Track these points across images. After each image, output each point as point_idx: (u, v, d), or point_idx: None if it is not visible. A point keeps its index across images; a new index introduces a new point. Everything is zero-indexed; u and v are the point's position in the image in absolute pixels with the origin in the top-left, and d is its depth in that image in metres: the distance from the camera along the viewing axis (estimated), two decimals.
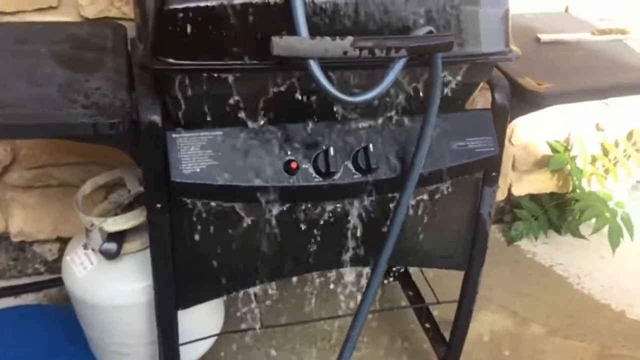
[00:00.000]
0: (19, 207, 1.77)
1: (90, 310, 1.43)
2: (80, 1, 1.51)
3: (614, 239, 2.04)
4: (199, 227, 1.24)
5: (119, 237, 1.35)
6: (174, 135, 1.16)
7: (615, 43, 1.57)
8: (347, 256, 1.35)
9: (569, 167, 2.23)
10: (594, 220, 2.09)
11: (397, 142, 1.25)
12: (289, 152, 1.20)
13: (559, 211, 2.29)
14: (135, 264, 1.38)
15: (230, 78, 1.10)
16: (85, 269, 1.39)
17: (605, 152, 2.29)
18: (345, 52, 1.04)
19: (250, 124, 1.18)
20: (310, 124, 1.21)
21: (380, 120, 1.24)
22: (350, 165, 1.23)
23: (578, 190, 2.24)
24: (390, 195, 1.29)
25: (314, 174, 1.21)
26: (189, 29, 1.05)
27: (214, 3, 1.04)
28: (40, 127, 1.05)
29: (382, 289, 2.05)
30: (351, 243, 1.34)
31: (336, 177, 1.21)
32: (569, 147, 2.25)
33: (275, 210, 1.24)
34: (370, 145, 1.21)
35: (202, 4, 1.04)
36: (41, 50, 1.27)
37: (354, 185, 1.24)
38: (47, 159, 1.70)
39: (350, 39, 1.03)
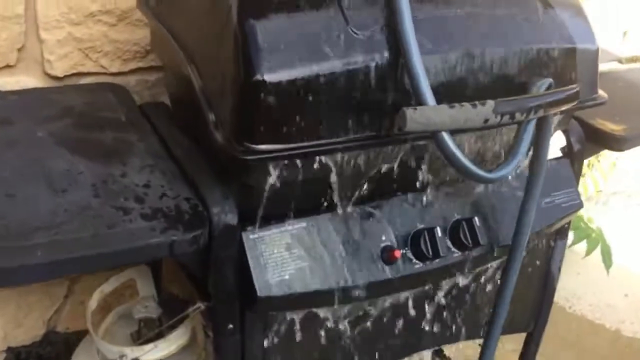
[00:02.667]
0: None
1: None
2: (47, 56, 1.16)
3: (607, 260, 2.02)
4: (276, 340, 0.98)
5: None
6: (252, 237, 0.89)
7: None
8: (430, 336, 1.16)
9: None
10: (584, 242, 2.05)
11: (495, 208, 1.07)
12: (383, 238, 0.98)
13: None
14: None
15: (337, 158, 0.86)
16: None
17: None
18: (486, 121, 0.84)
19: (340, 209, 0.95)
20: (409, 198, 1.00)
21: (481, 187, 1.05)
22: (448, 242, 1.03)
23: None
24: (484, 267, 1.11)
25: (414, 259, 1.00)
26: (287, 105, 0.80)
27: (319, 69, 0.80)
28: (100, 258, 0.75)
29: None
30: (436, 322, 1.14)
31: (439, 259, 1.01)
32: None
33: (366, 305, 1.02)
34: (476, 218, 1.03)
35: (306, 72, 0.80)
36: (38, 134, 0.93)
37: (455, 265, 1.04)
38: None
39: (491, 104, 0.84)
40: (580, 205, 1.17)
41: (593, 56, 1.06)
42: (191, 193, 0.87)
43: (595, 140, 1.20)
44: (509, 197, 1.08)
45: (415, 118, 0.81)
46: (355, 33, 0.84)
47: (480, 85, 0.92)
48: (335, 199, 0.93)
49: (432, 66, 0.86)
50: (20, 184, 0.83)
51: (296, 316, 0.97)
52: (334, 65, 0.82)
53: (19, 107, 1.00)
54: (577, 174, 1.21)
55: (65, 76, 1.21)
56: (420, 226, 1.00)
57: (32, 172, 0.85)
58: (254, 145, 0.80)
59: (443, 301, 1.12)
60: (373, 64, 0.84)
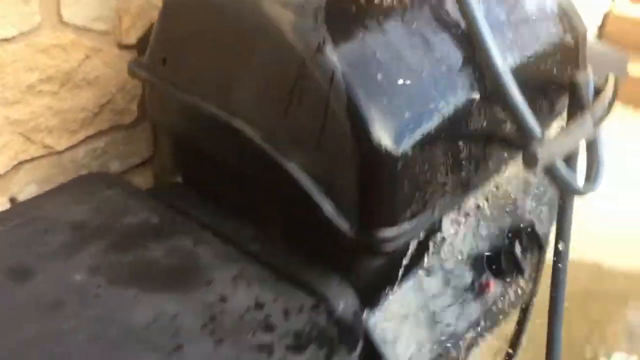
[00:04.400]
0: None
1: None
2: None
3: None
4: None
5: None
6: (373, 320, 0.77)
7: None
8: None
9: None
10: None
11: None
12: (473, 272, 0.92)
13: None
14: None
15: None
16: None
17: None
18: (588, 135, 0.81)
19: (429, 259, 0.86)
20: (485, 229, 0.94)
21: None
22: None
23: None
24: None
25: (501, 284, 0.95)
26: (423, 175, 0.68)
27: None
28: None
29: None
30: None
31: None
32: None
33: None
34: (536, 223, 1.00)
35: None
36: (75, 278, 0.69)
37: None
38: None
39: (589, 120, 0.80)
40: None
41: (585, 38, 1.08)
42: (310, 297, 0.72)
43: None
44: None
45: (543, 155, 0.75)
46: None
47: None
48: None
49: None
50: (118, 357, 0.61)
51: None
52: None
53: (11, 243, 0.74)
54: None
55: (7, 172, 0.92)
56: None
57: (115, 338, 0.64)
58: (381, 230, 0.68)
59: None
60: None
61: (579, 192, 0.85)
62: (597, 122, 0.83)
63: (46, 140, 0.96)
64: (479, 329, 0.94)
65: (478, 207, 0.95)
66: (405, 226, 0.69)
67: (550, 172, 0.79)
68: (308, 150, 0.69)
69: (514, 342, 1.42)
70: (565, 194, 0.90)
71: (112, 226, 0.78)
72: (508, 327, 1.41)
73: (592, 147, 0.89)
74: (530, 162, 0.74)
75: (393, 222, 0.68)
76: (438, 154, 0.72)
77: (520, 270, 0.94)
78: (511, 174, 1.01)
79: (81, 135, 1.01)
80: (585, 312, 1.97)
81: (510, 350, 1.43)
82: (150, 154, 1.15)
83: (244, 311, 0.69)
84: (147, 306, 0.68)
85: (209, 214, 0.82)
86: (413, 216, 0.70)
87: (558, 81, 0.94)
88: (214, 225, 0.81)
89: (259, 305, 0.70)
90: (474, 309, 0.91)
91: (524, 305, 1.31)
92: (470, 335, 0.90)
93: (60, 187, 0.86)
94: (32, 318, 0.65)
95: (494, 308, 0.97)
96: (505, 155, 0.86)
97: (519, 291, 0.98)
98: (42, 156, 0.97)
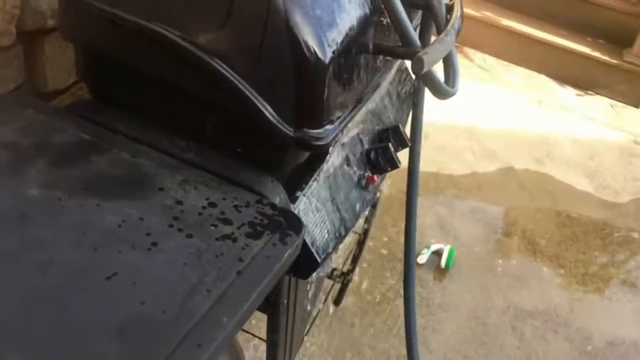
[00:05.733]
0: None
1: None
2: None
3: None
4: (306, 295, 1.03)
5: None
6: (296, 212, 0.90)
7: None
8: None
9: None
10: None
11: None
12: (355, 168, 1.07)
13: None
14: None
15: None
16: None
17: None
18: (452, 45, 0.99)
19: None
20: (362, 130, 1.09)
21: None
22: None
23: None
24: None
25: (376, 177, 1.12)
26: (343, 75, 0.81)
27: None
28: (261, 295, 0.68)
29: None
30: None
31: None
32: None
33: None
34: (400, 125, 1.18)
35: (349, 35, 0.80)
36: (31, 192, 0.70)
37: None
38: None
39: (452, 31, 0.98)
40: None
41: None
42: (252, 194, 0.81)
43: None
44: None
45: (428, 61, 0.91)
46: None
47: None
48: None
49: None
50: (102, 258, 0.66)
51: None
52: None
53: None
54: None
55: None
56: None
57: (96, 241, 0.68)
58: (319, 130, 0.80)
59: None
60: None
61: (449, 93, 1.04)
62: (457, 34, 1.02)
63: None
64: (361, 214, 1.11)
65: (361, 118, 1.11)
66: (333, 125, 0.82)
67: (427, 77, 0.96)
68: (248, 61, 0.77)
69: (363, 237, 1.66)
70: (436, 95, 1.08)
71: (46, 144, 0.79)
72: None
73: (449, 57, 1.08)
74: (418, 67, 0.90)
75: (324, 122, 0.80)
76: (350, 63, 0.84)
77: (393, 164, 1.12)
78: (381, 88, 1.18)
79: None
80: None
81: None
82: (23, 79, 1.12)
83: (200, 209, 0.77)
84: (113, 212, 0.73)
85: (137, 129, 0.87)
86: (337, 117, 0.83)
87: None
88: (145, 138, 0.86)
89: (212, 204, 0.78)
90: (360, 199, 1.07)
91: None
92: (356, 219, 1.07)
93: None
94: (4, 230, 0.67)
95: (368, 197, 1.14)
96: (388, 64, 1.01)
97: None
98: None
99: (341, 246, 1.38)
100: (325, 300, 1.69)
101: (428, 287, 2.03)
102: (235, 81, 0.77)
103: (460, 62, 1.14)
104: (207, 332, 0.63)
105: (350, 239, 1.68)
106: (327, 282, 1.70)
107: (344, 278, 1.61)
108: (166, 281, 0.67)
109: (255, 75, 0.78)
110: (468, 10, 3.16)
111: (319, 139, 0.81)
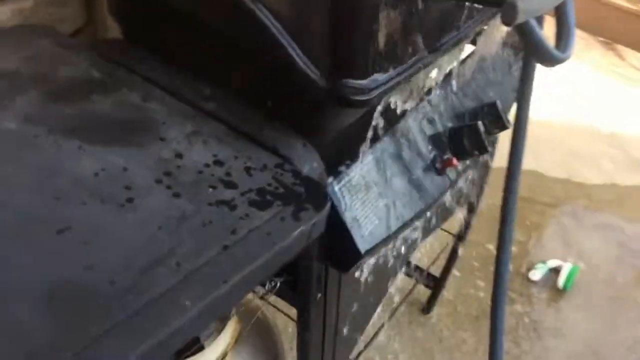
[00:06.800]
0: None
1: None
2: None
3: None
4: (353, 293, 0.86)
5: None
6: (337, 188, 0.73)
7: None
8: None
9: None
10: None
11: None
12: (430, 146, 0.88)
13: None
14: None
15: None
16: None
17: None
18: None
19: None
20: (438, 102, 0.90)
21: None
22: None
23: None
24: None
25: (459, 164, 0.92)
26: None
27: None
28: (249, 278, 0.53)
29: None
30: None
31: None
32: None
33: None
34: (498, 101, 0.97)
35: None
36: (9, 126, 0.60)
37: None
38: None
39: None
40: None
41: None
42: (273, 156, 0.66)
43: None
44: None
45: (523, 8, 0.70)
46: None
47: None
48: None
49: None
50: (61, 209, 0.54)
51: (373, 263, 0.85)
52: None
53: None
54: None
55: None
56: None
57: (61, 189, 0.56)
58: (362, 80, 0.63)
59: None
60: None
61: (556, 58, 0.81)
62: None
63: None
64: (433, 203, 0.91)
65: (439, 84, 0.91)
66: (377, 77, 0.64)
67: (525, 32, 0.75)
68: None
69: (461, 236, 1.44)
70: (539, 59, 0.86)
71: (49, 76, 0.69)
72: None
73: (562, 13, 0.86)
74: (510, 15, 0.69)
75: (365, 73, 0.63)
76: (413, 6, 0.66)
77: (482, 147, 0.91)
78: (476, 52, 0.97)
79: None
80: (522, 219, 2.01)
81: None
82: (84, 22, 1.04)
83: (202, 167, 0.63)
84: (93, 158, 0.61)
85: (158, 71, 0.74)
86: (385, 70, 0.65)
87: None
88: (164, 82, 0.73)
89: (218, 163, 0.64)
90: (433, 185, 0.88)
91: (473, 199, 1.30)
92: (423, 219, 0.88)
93: None
94: None
95: (444, 184, 0.93)
96: (474, 19, 0.81)
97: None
98: None
99: (427, 246, 1.19)
100: (400, 303, 1.48)
101: (539, 308, 1.75)
102: (255, 9, 0.61)
103: (610, 60, 0.91)
104: (158, 315, 0.49)
105: (437, 240, 1.45)
106: (407, 282, 1.49)
107: (432, 282, 1.40)
108: (127, 246, 0.53)
109: (285, 11, 0.62)
110: (622, 3, 2.78)
111: (359, 91, 0.63)
